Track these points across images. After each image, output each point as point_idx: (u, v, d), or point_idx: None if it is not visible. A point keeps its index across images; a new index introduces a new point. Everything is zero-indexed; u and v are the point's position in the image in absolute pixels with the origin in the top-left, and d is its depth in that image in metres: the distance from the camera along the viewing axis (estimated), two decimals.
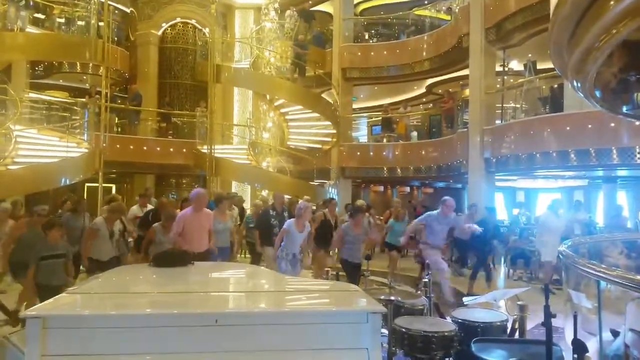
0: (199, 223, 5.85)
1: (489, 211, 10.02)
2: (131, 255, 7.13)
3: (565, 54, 3.66)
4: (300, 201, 7.58)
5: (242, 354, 2.20)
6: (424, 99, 19.93)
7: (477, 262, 8.96)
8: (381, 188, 21.67)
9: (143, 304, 2.56)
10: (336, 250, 8.34)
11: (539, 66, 12.41)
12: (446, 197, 7.48)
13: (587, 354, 2.78)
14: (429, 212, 7.72)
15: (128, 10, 16.19)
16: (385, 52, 15.81)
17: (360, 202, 10.37)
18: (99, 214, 9.25)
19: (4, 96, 11.63)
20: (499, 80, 13.21)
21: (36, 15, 14.24)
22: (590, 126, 9.54)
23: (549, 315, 2.76)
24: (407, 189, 22.37)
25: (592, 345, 3.49)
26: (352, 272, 6.44)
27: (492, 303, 4.34)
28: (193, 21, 15.91)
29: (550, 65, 11.29)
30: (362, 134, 20.58)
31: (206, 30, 15.84)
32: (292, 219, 6.74)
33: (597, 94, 4.11)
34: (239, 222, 9.42)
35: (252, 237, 8.49)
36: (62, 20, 14.77)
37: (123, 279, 3.27)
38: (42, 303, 2.37)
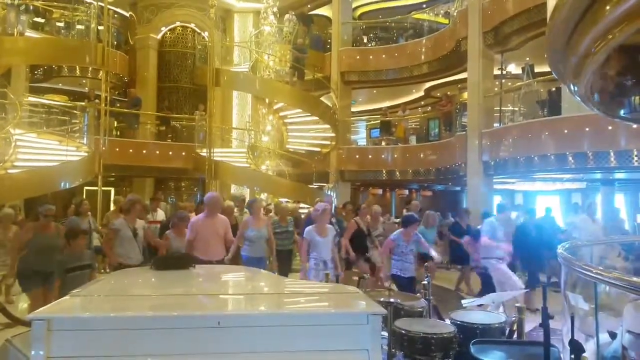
0: (214, 229, 5.50)
1: (530, 213, 9.48)
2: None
3: (562, 58, 3.71)
4: (318, 203, 6.68)
5: (244, 356, 2.22)
6: (423, 102, 20.00)
7: (530, 278, 8.05)
8: (380, 191, 21.71)
9: (146, 306, 2.58)
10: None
11: (537, 69, 12.47)
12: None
13: (584, 355, 2.80)
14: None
15: (127, 14, 16.25)
16: (383, 56, 15.87)
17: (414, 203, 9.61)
18: (98, 217, 9.28)
19: (3, 100, 11.67)
20: (497, 83, 13.26)
21: (36, 19, 14.28)
22: (587, 129, 9.58)
23: (546, 316, 2.79)
24: (406, 192, 22.41)
25: (589, 346, 3.52)
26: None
27: (490, 305, 4.37)
28: (192, 25, 15.97)
29: (548, 68, 11.36)
30: (361, 137, 20.62)
31: (205, 34, 15.90)
32: (310, 226, 6.08)
33: (594, 97, 4.16)
34: None
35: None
36: (62, 25, 14.82)
37: (126, 282, 3.30)
38: (46, 306, 2.39)
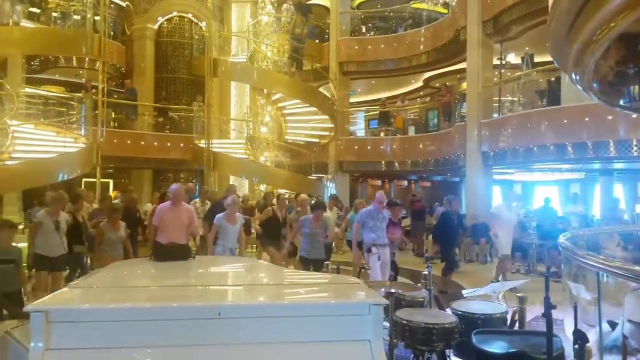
0: (177, 217, 5.76)
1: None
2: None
3: (563, 47, 3.67)
4: (230, 195, 7.12)
5: (245, 346, 2.21)
6: (422, 93, 19.94)
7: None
8: (379, 182, 21.71)
9: (145, 297, 2.56)
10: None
11: (537, 59, 12.42)
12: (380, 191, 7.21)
13: (587, 345, 2.79)
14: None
15: (124, 4, 16.11)
16: (382, 46, 15.79)
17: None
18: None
19: (0, 91, 11.57)
20: (496, 73, 13.22)
21: (31, 9, 14.13)
22: (587, 119, 9.57)
23: (549, 306, 2.77)
24: (405, 182, 22.41)
25: (591, 336, 3.52)
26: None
27: (491, 295, 4.36)
28: (189, 15, 15.83)
29: (547, 58, 11.33)
30: (359, 127, 20.57)
31: (203, 24, 15.78)
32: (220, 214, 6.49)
33: (595, 86, 4.13)
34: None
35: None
36: (58, 15, 14.65)
37: (125, 273, 3.28)
38: (46, 297, 2.37)
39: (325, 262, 6.29)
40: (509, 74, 13.76)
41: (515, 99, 12.62)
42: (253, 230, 8.92)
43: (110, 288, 2.74)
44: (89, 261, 7.36)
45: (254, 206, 10.29)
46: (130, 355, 2.14)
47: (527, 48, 12.53)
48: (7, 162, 9.93)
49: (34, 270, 6.10)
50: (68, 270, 6.81)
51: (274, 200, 9.09)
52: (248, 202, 10.62)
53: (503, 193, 9.37)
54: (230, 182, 15.32)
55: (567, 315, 5.14)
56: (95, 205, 8.74)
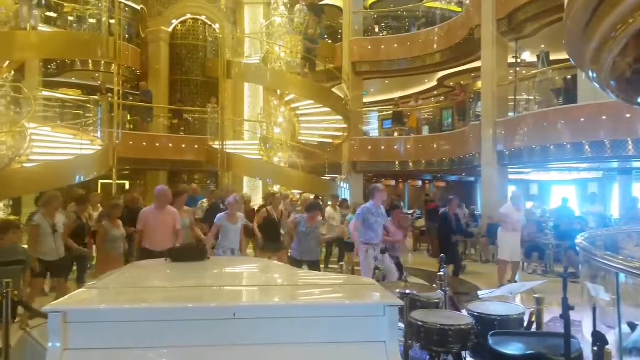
0: (162, 221, 5.62)
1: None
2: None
3: (580, 44, 3.62)
4: (232, 195, 7.11)
5: (260, 347, 2.21)
6: (436, 92, 19.82)
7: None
8: (393, 182, 21.62)
9: (162, 298, 2.58)
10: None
11: (552, 57, 12.29)
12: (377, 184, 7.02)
13: (606, 346, 2.75)
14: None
15: (138, 8, 16.27)
16: (395, 45, 15.72)
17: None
18: None
19: (18, 95, 11.76)
20: (511, 72, 13.09)
21: (48, 13, 14.33)
22: (605, 117, 9.42)
23: (567, 307, 2.73)
24: (419, 182, 22.30)
25: (610, 338, 3.46)
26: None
27: (508, 296, 4.31)
28: (203, 17, 15.94)
29: (563, 56, 11.19)
30: (373, 128, 20.52)
31: (216, 26, 15.87)
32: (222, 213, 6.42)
33: (613, 84, 4.06)
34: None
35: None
36: (74, 19, 14.85)
37: (141, 274, 3.30)
38: (62, 298, 2.39)
39: (340, 263, 6.23)
40: (524, 72, 13.62)
41: (531, 97, 12.48)
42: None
43: (127, 289, 2.76)
44: (93, 262, 7.35)
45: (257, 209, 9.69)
46: (146, 355, 2.15)
47: (542, 46, 12.39)
48: (25, 165, 10.11)
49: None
50: (76, 273, 6.88)
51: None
52: (250, 204, 10.28)
53: (512, 194, 9.20)
54: (245, 183, 15.45)
55: (585, 316, 5.07)
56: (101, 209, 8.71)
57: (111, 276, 2.98)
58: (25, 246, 5.71)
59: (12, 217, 10.43)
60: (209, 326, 2.20)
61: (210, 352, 2.18)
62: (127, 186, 16.40)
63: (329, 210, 9.48)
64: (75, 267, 6.96)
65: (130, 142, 12.88)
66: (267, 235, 7.56)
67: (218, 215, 6.23)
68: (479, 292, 4.48)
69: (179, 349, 2.17)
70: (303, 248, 6.43)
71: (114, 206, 6.44)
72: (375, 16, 17.83)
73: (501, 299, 4.10)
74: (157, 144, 14.00)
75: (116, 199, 8.76)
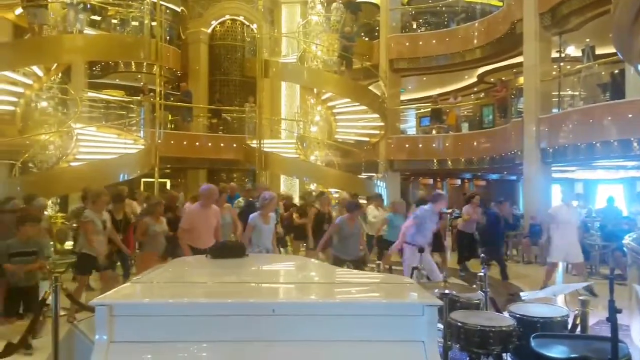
0: (207, 219, 5.65)
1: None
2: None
3: (628, 38, 3.48)
4: (266, 192, 7.16)
5: (298, 343, 2.22)
6: (475, 89, 19.45)
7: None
8: (431, 181, 21.34)
9: (203, 293, 2.64)
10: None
11: (598, 51, 11.84)
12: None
13: None
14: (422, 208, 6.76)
15: (179, 10, 16.63)
16: (434, 41, 15.49)
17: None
18: None
19: (65, 96, 12.22)
20: (555, 67, 12.70)
21: (93, 17, 14.81)
22: None
23: (613, 310, 2.63)
24: (458, 181, 21.93)
25: None
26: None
27: (552, 298, 4.19)
28: (241, 18, 16.17)
29: (610, 49, 10.80)
30: (410, 126, 20.30)
31: (254, 26, 16.05)
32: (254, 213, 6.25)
33: None
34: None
35: None
36: (117, 22, 15.32)
37: (183, 270, 3.39)
38: (110, 291, 2.47)
39: (377, 262, 6.19)
40: (568, 67, 13.19)
41: (576, 93, 12.07)
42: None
43: (170, 283, 2.83)
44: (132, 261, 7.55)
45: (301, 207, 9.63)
46: (187, 349, 2.20)
47: (587, 40, 11.96)
48: (72, 164, 10.51)
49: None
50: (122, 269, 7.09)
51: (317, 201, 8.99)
52: (292, 200, 10.35)
53: (562, 192, 8.80)
54: (282, 182, 15.57)
55: (633, 320, 4.87)
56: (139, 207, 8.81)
57: (155, 271, 3.05)
58: (44, 239, 5.88)
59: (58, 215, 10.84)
60: (249, 322, 2.23)
61: (249, 347, 2.21)
62: (168, 184, 16.81)
63: (371, 209, 9.42)
64: (119, 263, 7.20)
65: (171, 142, 13.18)
66: (317, 234, 7.67)
67: (251, 216, 6.18)
68: (521, 294, 4.37)
69: (219, 343, 2.21)
70: (345, 247, 6.40)
71: (156, 204, 6.60)
72: (413, 12, 17.62)
73: (544, 301, 3.98)
74: (197, 143, 14.29)
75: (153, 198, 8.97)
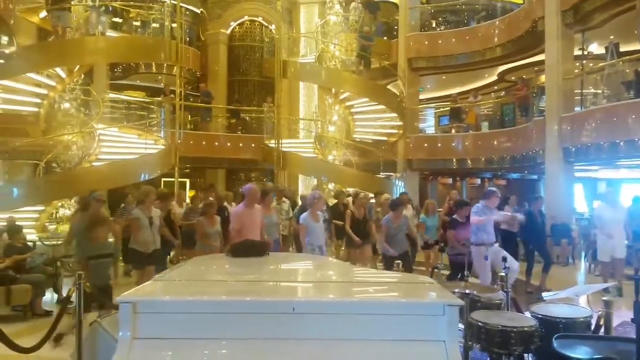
0: (252, 218, 5.79)
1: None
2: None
3: None
4: (313, 191, 7.45)
5: (318, 342, 2.23)
6: (496, 87, 19.20)
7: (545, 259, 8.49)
8: (450, 180, 21.15)
9: (224, 291, 2.66)
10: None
11: (622, 48, 11.62)
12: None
13: None
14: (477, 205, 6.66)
15: (198, 11, 16.78)
16: (453, 40, 15.34)
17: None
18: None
19: (87, 97, 12.43)
20: (577, 64, 12.48)
21: (115, 19, 15.04)
22: None
23: (639, 311, 2.58)
24: (478, 181, 21.68)
25: None
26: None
27: (574, 298, 4.13)
28: (260, 18, 16.26)
29: (635, 46, 10.57)
30: (429, 125, 20.13)
31: (272, 27, 16.12)
32: (304, 213, 6.50)
33: None
34: (290, 216, 9.09)
35: None
36: (138, 23, 15.52)
37: (204, 268, 3.42)
38: (133, 289, 2.51)
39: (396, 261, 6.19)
40: (591, 64, 12.95)
41: (599, 91, 11.84)
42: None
43: (191, 281, 2.87)
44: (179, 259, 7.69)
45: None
46: (208, 346, 2.23)
47: (611, 37, 11.72)
48: (94, 164, 10.69)
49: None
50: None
51: (346, 200, 9.04)
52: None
53: (605, 193, 8.79)
54: (299, 181, 15.59)
55: None
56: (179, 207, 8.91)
57: (177, 269, 3.09)
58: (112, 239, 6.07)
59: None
60: (269, 320, 2.25)
61: (269, 345, 2.23)
62: (188, 184, 16.97)
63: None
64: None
65: (191, 142, 13.31)
66: (355, 232, 7.77)
67: (302, 216, 6.37)
68: (543, 294, 4.31)
69: (239, 341, 2.24)
70: (393, 244, 6.57)
71: (209, 204, 6.78)
72: (432, 11, 17.46)
73: (566, 302, 3.93)
74: (216, 143, 14.41)
75: (199, 198, 9.13)
